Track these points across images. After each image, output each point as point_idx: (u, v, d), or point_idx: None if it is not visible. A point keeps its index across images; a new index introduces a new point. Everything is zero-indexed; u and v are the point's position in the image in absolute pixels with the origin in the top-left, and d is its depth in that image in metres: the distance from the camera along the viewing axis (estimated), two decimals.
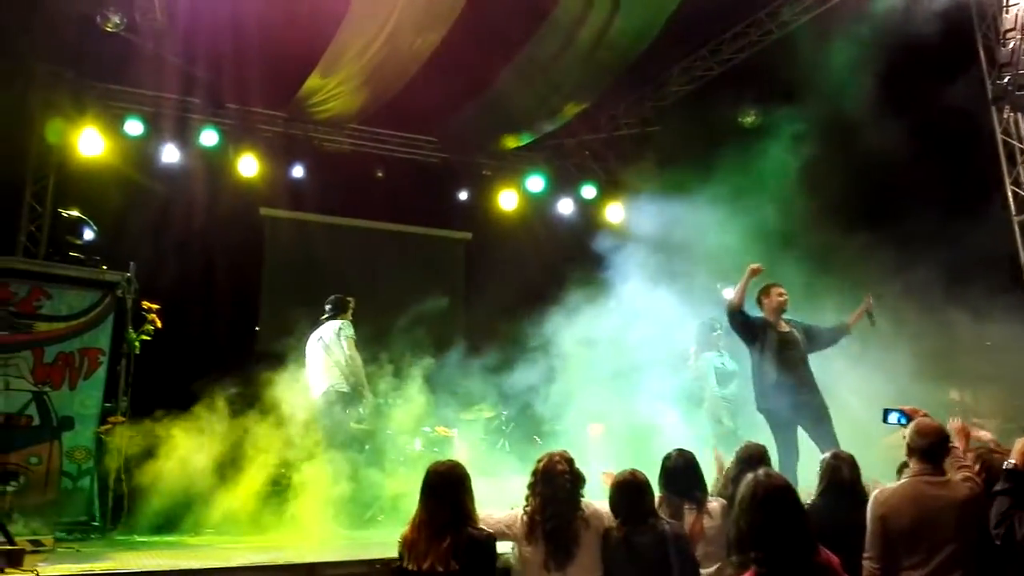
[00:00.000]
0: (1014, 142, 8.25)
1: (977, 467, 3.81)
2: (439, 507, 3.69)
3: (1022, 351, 7.91)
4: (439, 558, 3.54)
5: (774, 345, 6.57)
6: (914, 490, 3.65)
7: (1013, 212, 8.23)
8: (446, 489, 3.74)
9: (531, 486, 4.00)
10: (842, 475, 4.21)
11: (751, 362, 6.80)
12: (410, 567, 3.59)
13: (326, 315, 7.94)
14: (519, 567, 3.94)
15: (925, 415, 4.12)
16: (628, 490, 3.99)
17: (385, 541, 5.87)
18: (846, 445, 5.72)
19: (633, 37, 8.99)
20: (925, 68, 7.87)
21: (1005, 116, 8.28)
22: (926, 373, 7.83)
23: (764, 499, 2.98)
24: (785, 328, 6.72)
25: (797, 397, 6.42)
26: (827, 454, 4.55)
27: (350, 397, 7.69)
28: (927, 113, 7.77)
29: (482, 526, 3.79)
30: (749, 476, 3.13)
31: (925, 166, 8.22)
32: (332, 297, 8.05)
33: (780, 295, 6.75)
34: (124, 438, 7.08)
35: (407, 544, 3.66)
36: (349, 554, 5.20)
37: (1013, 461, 3.53)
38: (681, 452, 4.49)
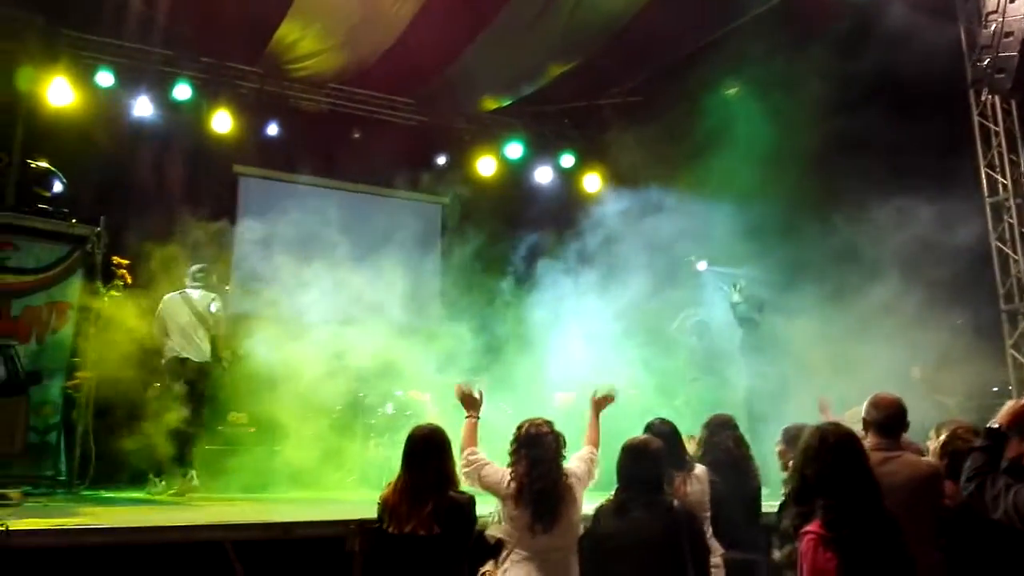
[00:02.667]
0: (990, 125, 8.34)
1: (940, 450, 3.81)
2: (421, 471, 3.69)
3: (987, 329, 8.09)
4: (421, 522, 3.56)
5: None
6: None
7: (986, 194, 8.35)
8: (428, 454, 3.74)
9: (515, 451, 3.97)
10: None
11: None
12: (391, 530, 3.60)
13: (197, 283, 7.68)
14: (506, 525, 3.91)
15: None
16: (640, 458, 3.82)
17: (358, 502, 5.90)
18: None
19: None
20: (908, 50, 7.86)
21: (983, 99, 8.37)
22: (890, 350, 7.98)
23: (834, 446, 2.91)
24: None
25: None
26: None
27: (207, 366, 7.51)
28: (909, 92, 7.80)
29: (465, 476, 3.86)
30: (812, 426, 3.07)
31: (899, 147, 8.28)
32: (203, 267, 7.78)
33: None
34: (91, 394, 7.00)
35: (388, 507, 3.66)
36: (323, 514, 5.20)
37: (998, 422, 3.36)
38: (663, 420, 4.53)
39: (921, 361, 8.80)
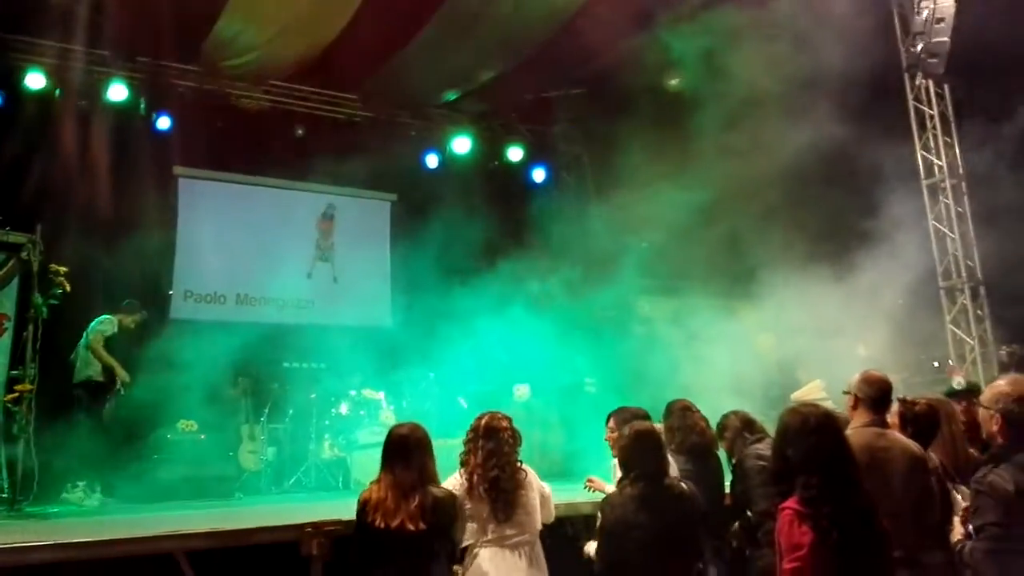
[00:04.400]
0: (925, 108, 8.57)
1: (899, 421, 3.88)
2: (406, 468, 3.72)
3: (927, 308, 8.32)
4: (408, 517, 3.59)
5: None
6: (863, 439, 3.50)
7: (922, 176, 8.58)
8: (411, 450, 3.77)
9: (471, 442, 4.02)
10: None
11: None
12: (378, 523, 3.59)
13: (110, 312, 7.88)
14: (469, 525, 3.94)
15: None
16: (648, 442, 3.77)
17: (314, 504, 5.83)
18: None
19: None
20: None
21: (917, 83, 8.59)
22: (836, 330, 8.15)
23: (815, 426, 2.94)
24: None
25: None
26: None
27: (102, 387, 7.60)
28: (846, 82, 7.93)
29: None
30: (790, 408, 3.11)
31: (839, 132, 8.42)
32: (129, 301, 8.12)
33: None
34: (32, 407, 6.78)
35: (374, 504, 3.66)
36: (278, 519, 5.11)
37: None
38: (639, 408, 4.53)
39: (865, 339, 9.03)
